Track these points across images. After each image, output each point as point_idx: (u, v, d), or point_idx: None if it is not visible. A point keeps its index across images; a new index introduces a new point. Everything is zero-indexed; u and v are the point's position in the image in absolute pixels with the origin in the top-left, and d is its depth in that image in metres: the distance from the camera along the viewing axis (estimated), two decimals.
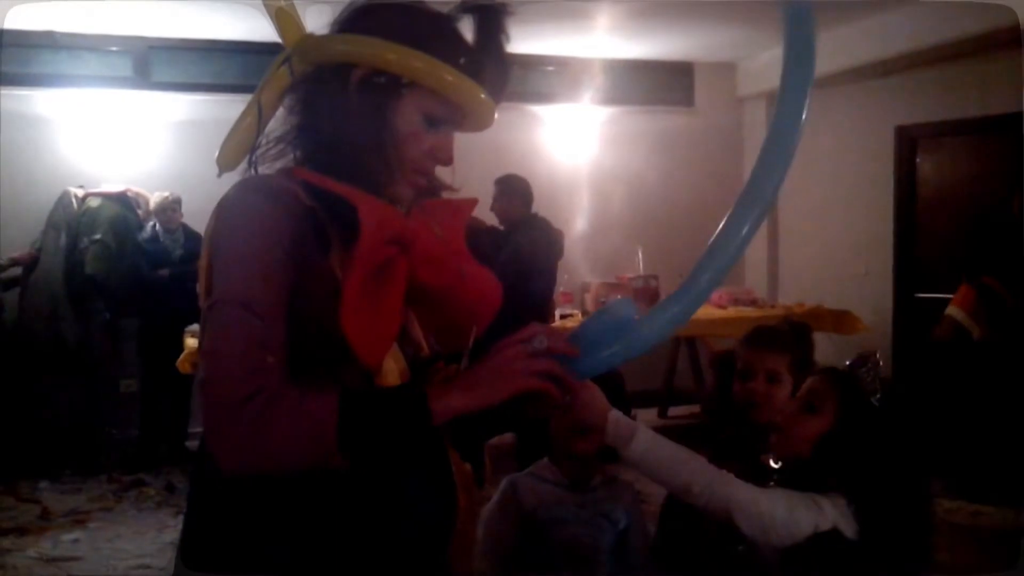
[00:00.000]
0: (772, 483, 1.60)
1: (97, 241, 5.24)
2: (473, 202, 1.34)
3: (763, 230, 6.93)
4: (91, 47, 5.74)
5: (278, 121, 1.23)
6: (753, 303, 6.04)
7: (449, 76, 1.14)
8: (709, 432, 2.20)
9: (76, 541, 4.19)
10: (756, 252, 7.08)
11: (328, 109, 1.16)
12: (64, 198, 5.44)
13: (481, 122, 1.24)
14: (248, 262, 1.07)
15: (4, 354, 5.26)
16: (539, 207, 4.87)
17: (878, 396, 1.56)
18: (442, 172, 1.27)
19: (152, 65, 5.86)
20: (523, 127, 6.52)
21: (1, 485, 4.91)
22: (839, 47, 5.70)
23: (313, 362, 1.10)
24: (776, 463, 1.65)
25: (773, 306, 6.09)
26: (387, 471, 1.13)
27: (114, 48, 5.79)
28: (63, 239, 5.36)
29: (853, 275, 6.22)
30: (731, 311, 5.87)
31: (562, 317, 5.31)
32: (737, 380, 2.04)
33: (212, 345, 1.06)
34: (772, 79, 6.58)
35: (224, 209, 1.12)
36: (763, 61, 6.67)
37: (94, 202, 5.41)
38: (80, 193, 5.46)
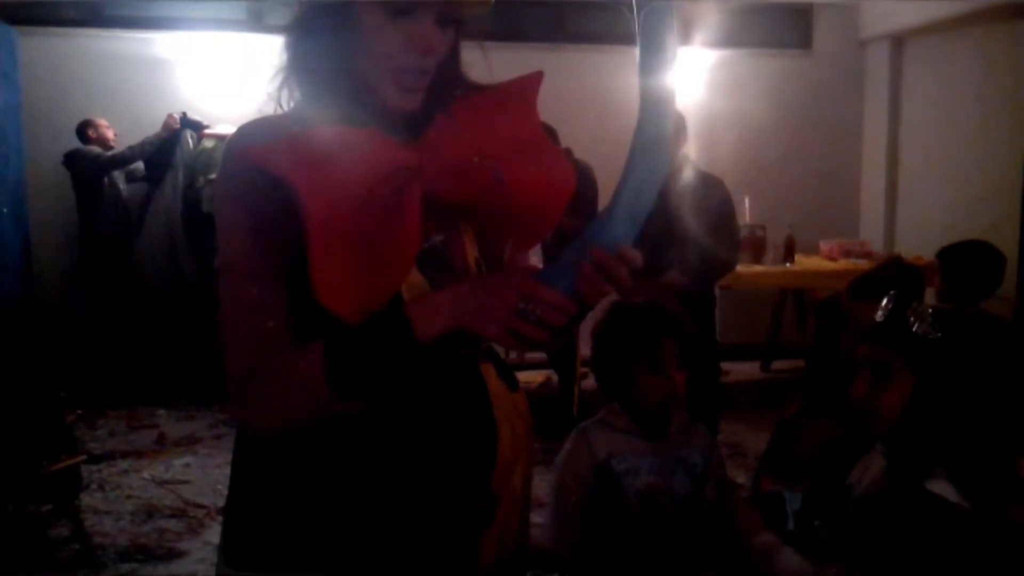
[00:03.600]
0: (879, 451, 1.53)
1: (212, 181, 5.38)
2: (501, 88, 1.20)
3: (880, 179, 6.66)
4: None
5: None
6: (867, 256, 5.81)
7: None
8: (811, 386, 2.11)
9: (187, 465, 4.40)
10: (873, 201, 6.78)
11: (309, 31, 1.13)
12: (181, 138, 5.63)
13: None
14: (238, 228, 1.07)
15: (129, 288, 5.52)
16: None
17: (939, 335, 1.42)
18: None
19: (265, 9, 5.95)
20: (631, 71, 6.36)
21: (122, 411, 5.19)
22: None
23: (322, 317, 1.03)
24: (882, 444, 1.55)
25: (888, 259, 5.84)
26: (410, 406, 1.10)
27: None
28: (180, 178, 5.57)
29: (977, 229, 5.89)
30: (842, 263, 5.67)
31: None
32: (843, 333, 1.94)
33: (220, 314, 1.10)
34: (898, 20, 6.27)
35: (220, 165, 1.12)
36: (889, 1, 6.30)
37: (209, 143, 5.58)
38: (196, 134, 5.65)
